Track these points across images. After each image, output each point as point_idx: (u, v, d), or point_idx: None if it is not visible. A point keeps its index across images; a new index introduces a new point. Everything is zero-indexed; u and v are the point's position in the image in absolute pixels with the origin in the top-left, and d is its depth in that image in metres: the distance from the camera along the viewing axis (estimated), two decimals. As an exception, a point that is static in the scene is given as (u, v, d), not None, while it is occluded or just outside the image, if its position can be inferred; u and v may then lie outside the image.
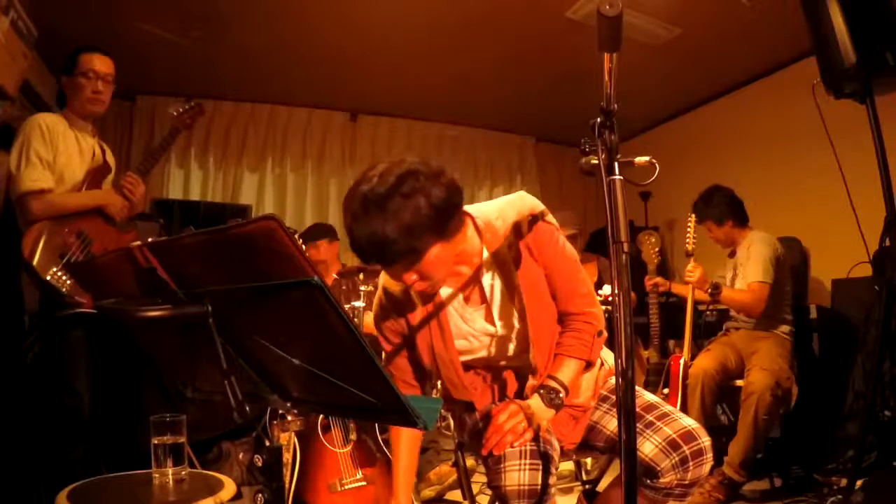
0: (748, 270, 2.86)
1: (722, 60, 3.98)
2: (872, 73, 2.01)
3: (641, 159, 1.08)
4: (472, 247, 1.42)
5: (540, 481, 1.26)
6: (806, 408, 3.00)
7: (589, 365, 1.48)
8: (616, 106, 1.04)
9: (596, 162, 1.04)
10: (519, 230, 1.41)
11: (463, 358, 1.47)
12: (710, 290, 2.81)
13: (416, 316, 1.44)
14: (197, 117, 2.61)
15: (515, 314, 1.44)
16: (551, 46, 3.78)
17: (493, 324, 1.45)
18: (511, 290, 1.42)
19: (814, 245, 3.74)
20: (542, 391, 1.38)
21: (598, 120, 1.05)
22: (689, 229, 3.02)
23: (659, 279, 3.49)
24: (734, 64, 4.06)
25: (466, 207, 1.39)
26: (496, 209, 1.43)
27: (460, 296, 1.45)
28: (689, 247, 2.96)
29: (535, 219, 1.42)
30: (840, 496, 2.31)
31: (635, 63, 3.75)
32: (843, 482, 2.41)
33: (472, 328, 1.45)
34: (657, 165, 1.08)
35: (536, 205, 1.44)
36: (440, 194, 1.22)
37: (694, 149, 4.70)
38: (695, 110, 4.81)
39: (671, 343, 3.92)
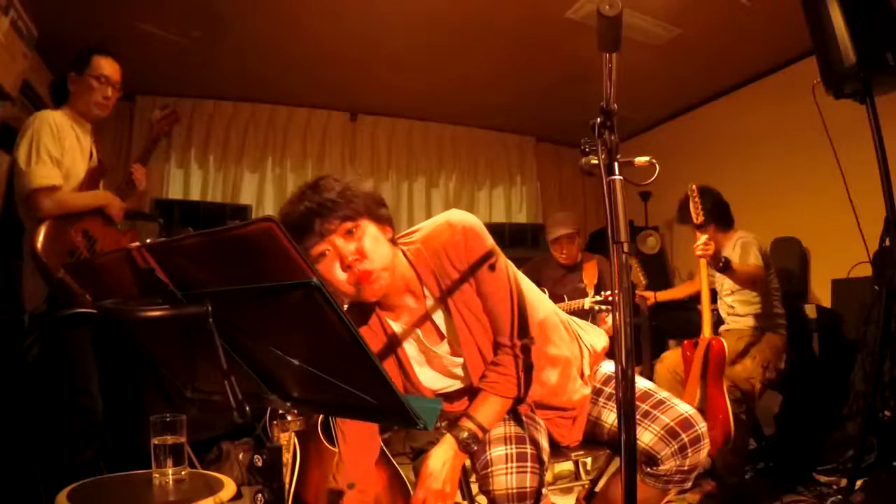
0: (742, 261, 2.80)
1: (722, 60, 3.97)
2: (872, 73, 2.01)
3: (641, 159, 1.08)
4: (409, 274, 1.37)
5: (528, 483, 1.25)
6: (805, 408, 3.00)
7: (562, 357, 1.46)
8: (616, 106, 1.04)
9: (596, 162, 1.03)
10: (451, 256, 1.34)
11: (449, 390, 1.47)
12: (721, 265, 2.65)
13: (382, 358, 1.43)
14: (174, 123, 2.61)
15: (473, 343, 1.40)
16: (551, 46, 3.77)
17: (459, 355, 1.42)
18: (456, 319, 1.38)
19: (814, 245, 3.74)
20: (457, 433, 1.30)
21: (598, 120, 1.04)
22: (694, 201, 2.68)
23: (645, 293, 3.52)
24: (734, 64, 4.05)
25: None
26: (421, 235, 1.38)
27: (421, 335, 1.42)
28: (700, 219, 2.64)
29: (466, 244, 1.33)
30: (840, 496, 2.32)
31: (635, 63, 3.74)
32: (843, 482, 2.41)
33: (443, 364, 1.44)
34: (657, 165, 1.08)
35: (466, 223, 1.34)
36: (366, 189, 1.33)
37: (694, 149, 4.70)
38: (695, 110, 4.81)
39: (671, 342, 3.93)
